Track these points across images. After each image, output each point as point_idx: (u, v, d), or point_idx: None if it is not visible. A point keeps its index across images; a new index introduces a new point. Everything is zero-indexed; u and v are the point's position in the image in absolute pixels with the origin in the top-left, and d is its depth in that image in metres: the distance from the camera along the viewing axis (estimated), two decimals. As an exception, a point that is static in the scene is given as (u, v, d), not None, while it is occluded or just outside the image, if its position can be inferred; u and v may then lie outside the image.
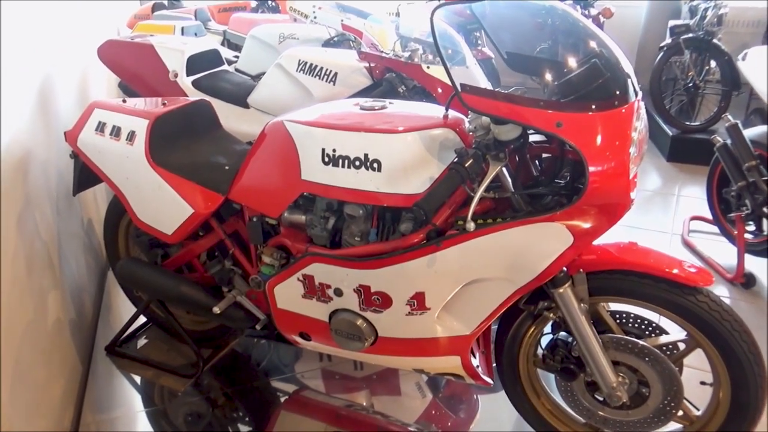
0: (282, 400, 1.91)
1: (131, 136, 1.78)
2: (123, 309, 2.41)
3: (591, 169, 1.20)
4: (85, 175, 1.98)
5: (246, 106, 2.81)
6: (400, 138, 1.39)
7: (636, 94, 1.25)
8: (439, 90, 2.48)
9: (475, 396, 1.91)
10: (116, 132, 1.81)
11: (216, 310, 1.76)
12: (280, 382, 1.99)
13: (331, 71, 2.61)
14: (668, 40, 4.14)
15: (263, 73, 2.95)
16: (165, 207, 1.77)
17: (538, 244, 1.31)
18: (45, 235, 1.84)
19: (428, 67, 2.50)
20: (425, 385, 1.96)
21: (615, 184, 1.21)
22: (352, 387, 1.95)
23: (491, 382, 1.58)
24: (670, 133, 4.14)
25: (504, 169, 1.32)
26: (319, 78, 2.63)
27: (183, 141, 1.85)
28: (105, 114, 1.86)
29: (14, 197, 1.61)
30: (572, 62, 1.32)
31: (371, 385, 1.95)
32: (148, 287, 1.89)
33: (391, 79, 2.55)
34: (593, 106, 1.21)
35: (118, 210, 2.08)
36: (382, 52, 2.69)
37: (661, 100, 4.21)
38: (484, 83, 2.58)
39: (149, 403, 1.91)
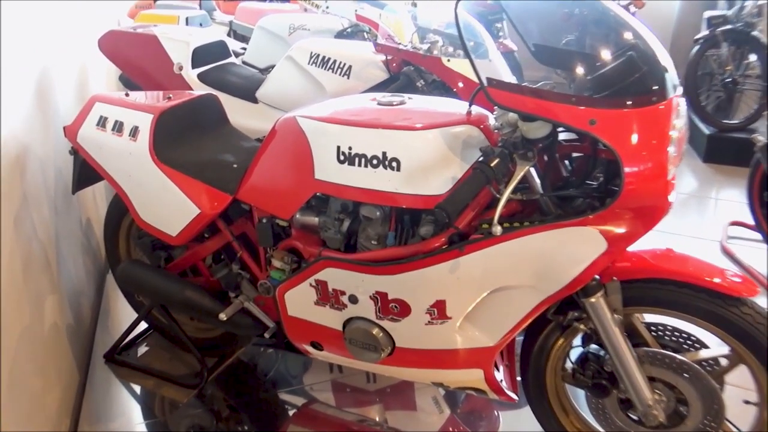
0: (290, 413, 1.91)
1: (134, 132, 1.79)
2: (123, 314, 2.41)
3: (626, 169, 1.19)
4: (85, 172, 1.99)
5: (255, 100, 2.82)
6: (420, 135, 1.40)
7: (675, 90, 1.24)
8: (460, 84, 2.48)
9: (496, 412, 1.89)
10: (119, 127, 1.83)
11: (222, 316, 1.76)
12: (288, 394, 1.98)
13: (345, 64, 2.62)
14: (704, 32, 4.10)
15: (273, 66, 2.96)
16: (169, 207, 1.78)
17: (568, 250, 1.30)
18: (42, 236, 1.86)
19: (448, 60, 2.49)
20: (443, 400, 1.94)
21: (652, 185, 1.19)
22: (365, 401, 1.94)
23: (516, 397, 1.57)
24: (707, 132, 4.09)
25: (532, 170, 1.32)
26: (333, 71, 2.63)
27: (189, 137, 1.86)
28: (107, 108, 1.87)
29: (11, 196, 1.62)
30: (606, 55, 1.31)
31: (385, 399, 1.94)
32: (150, 292, 1.89)
33: (408, 72, 2.55)
34: (629, 102, 1.20)
35: (120, 209, 2.09)
36: (399, 44, 2.68)
37: (696, 97, 4.16)
38: (508, 77, 2.58)
39: (149, 415, 1.91)
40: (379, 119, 1.46)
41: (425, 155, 1.39)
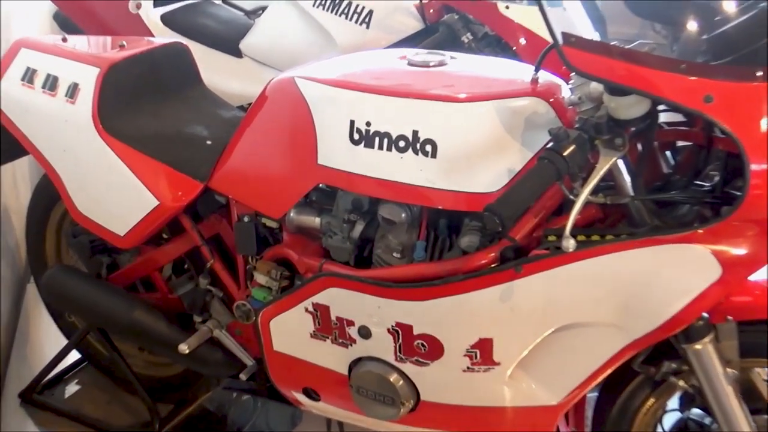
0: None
1: (73, 91, 1.81)
2: (47, 339, 2.42)
3: (753, 166, 1.17)
4: (5, 143, 2.00)
5: (238, 54, 2.83)
6: (465, 109, 1.40)
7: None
8: (523, 41, 2.47)
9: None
10: (51, 83, 1.83)
11: (183, 348, 1.77)
12: (269, 459, 2.00)
13: (363, 8, 2.61)
14: None
15: (264, 8, 2.97)
16: (117, 195, 1.79)
17: (667, 277, 1.29)
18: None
19: (507, 7, 2.49)
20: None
21: (788, 191, 1.19)
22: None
23: (585, 477, 1.57)
24: None
25: (621, 163, 1.32)
26: (347, 17, 2.63)
27: (147, 101, 1.87)
28: (36, 57, 1.88)
29: None
30: (728, 6, 1.30)
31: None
32: (85, 310, 1.91)
33: (451, 22, 2.54)
34: (760, 73, 1.18)
35: (49, 196, 2.11)
36: (439, -19, 2.69)
37: None
38: (590, 33, 2.56)
39: (78, 480, 1.96)
40: (410, 85, 1.46)
41: (472, 137, 1.39)
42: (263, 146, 1.63)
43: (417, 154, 1.41)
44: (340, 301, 1.54)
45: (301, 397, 1.73)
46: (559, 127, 1.31)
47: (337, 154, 1.49)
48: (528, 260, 1.36)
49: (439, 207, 1.42)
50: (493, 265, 1.41)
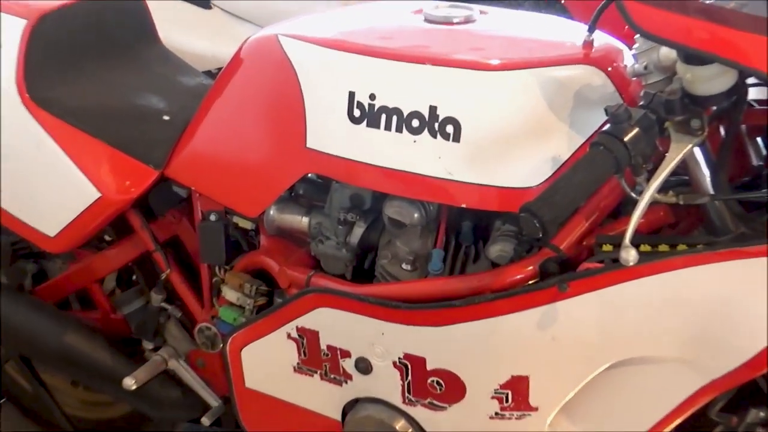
0: None
1: (-10, 49, 1.85)
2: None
3: None
4: None
5: (206, 3, 2.85)
6: (498, 80, 1.41)
7: None
8: (573, -8, 2.48)
9: None
10: (-38, 39, 1.87)
11: (129, 383, 1.77)
12: None
13: (367, -54, 2.62)
14: None
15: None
16: (47, 184, 1.81)
17: (755, 300, 1.27)
18: None
19: (554, -52, 2.49)
20: None
21: None
22: None
23: None
24: None
25: (698, 152, 1.32)
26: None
27: (88, 64, 1.88)
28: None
29: None
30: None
31: None
32: (2, 332, 1.90)
33: (480, -34, 2.55)
34: None
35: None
36: None
37: None
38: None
39: None
40: (427, 48, 1.47)
41: (505, 116, 1.40)
42: (236, 124, 1.65)
43: (435, 136, 1.41)
44: (333, 325, 1.55)
45: (279, 448, 1.77)
46: (619, 105, 1.29)
47: (331, 135, 1.50)
48: (576, 276, 1.36)
49: (462, 205, 1.43)
50: (530, 282, 1.41)
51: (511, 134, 1.39)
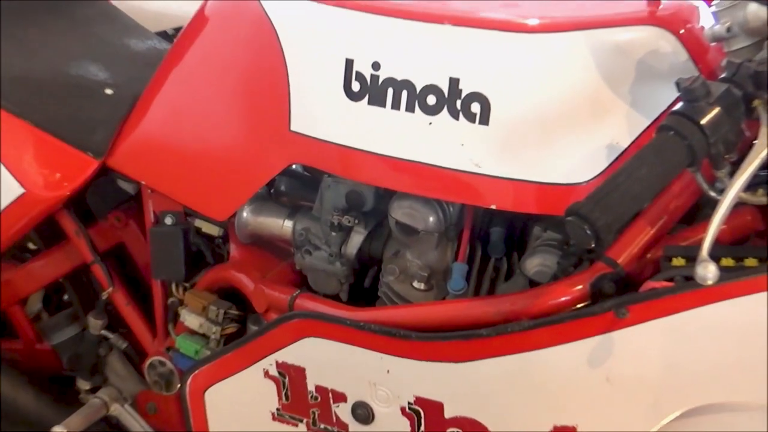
0: None
1: None
2: None
3: None
4: None
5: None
6: (538, 44, 1.39)
7: None
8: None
9: None
10: None
11: (59, 432, 1.77)
12: None
13: None
14: None
15: None
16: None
17: None
18: None
19: None
20: None
21: None
22: None
23: None
24: None
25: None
26: None
27: (12, 23, 1.87)
28: None
29: None
30: None
31: None
32: None
33: None
34: None
35: None
36: None
37: None
38: None
39: None
40: (447, 3, 1.45)
41: (547, 91, 1.39)
42: (199, 100, 1.64)
43: (456, 117, 1.40)
44: (324, 360, 1.55)
45: None
46: (694, 77, 1.28)
47: (322, 115, 1.50)
48: (638, 298, 1.33)
49: (492, 207, 1.41)
50: (579, 306, 1.39)
51: (555, 115, 1.38)
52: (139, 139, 1.70)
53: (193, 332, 1.69)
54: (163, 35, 1.97)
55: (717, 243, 1.25)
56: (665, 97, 1.37)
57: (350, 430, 1.56)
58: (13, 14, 1.89)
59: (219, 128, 1.62)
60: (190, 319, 1.69)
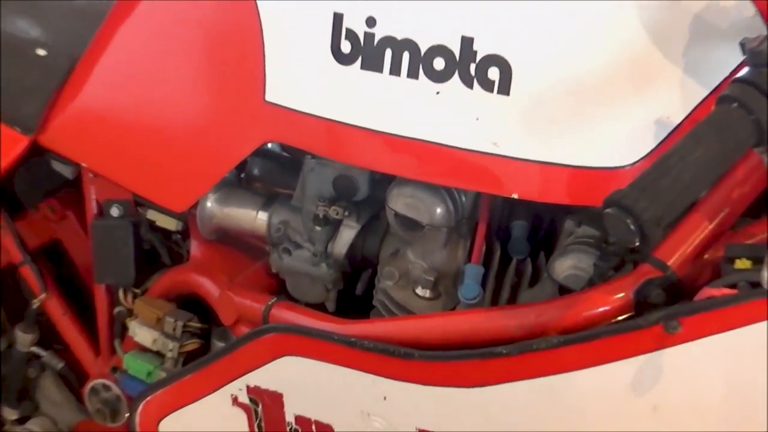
0: None
1: None
2: None
3: None
4: None
5: None
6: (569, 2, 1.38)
7: None
8: None
9: None
10: None
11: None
12: None
13: None
14: None
15: None
16: None
17: None
18: None
19: None
20: None
21: None
22: None
23: None
24: None
25: None
26: None
27: None
28: None
29: None
30: None
31: None
32: None
33: None
34: None
35: None
36: None
37: None
38: None
39: None
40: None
41: (581, 54, 1.39)
42: (152, 65, 1.64)
43: (470, 85, 1.40)
44: (306, 383, 1.55)
45: None
46: (763, 37, 1.29)
47: (305, 82, 1.50)
48: (693, 309, 1.31)
49: (513, 196, 1.42)
50: (620, 318, 1.39)
51: (592, 82, 1.37)
52: (78, 111, 1.70)
53: (144, 349, 1.68)
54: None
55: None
56: (727, 60, 1.37)
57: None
58: None
59: (177, 98, 1.62)
60: (141, 333, 1.68)
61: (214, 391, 1.59)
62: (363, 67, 1.44)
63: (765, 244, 1.25)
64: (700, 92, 1.37)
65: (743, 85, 1.22)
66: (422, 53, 1.41)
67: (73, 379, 1.86)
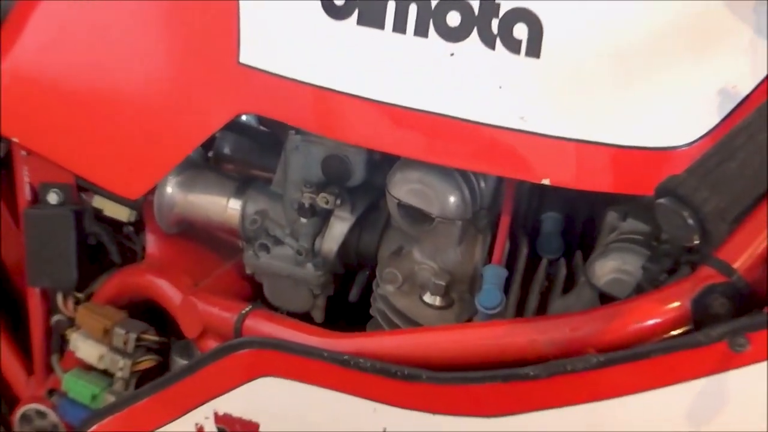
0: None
1: None
2: None
3: None
4: None
5: None
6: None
7: None
8: None
9: None
10: None
11: None
12: None
13: None
14: None
15: None
16: None
17: None
18: None
19: None
20: None
21: None
22: None
23: None
24: None
25: None
26: None
27: None
28: None
29: None
30: None
31: None
32: None
33: None
34: None
35: None
36: None
37: None
38: None
39: None
40: None
41: (626, 12, 1.42)
42: (101, 19, 1.64)
43: (491, 46, 1.43)
44: (287, 411, 1.58)
45: None
46: None
47: (288, 41, 1.52)
48: (764, 322, 1.34)
49: (543, 182, 1.44)
50: (675, 333, 1.40)
51: (641, 46, 1.40)
52: (12, 76, 1.69)
53: (89, 368, 1.69)
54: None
55: None
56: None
57: None
58: None
59: (130, 61, 1.61)
60: (84, 347, 1.69)
61: (174, 419, 1.60)
62: (360, 22, 1.45)
63: None
64: (763, 67, 1.37)
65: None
66: (433, 6, 1.41)
67: (1, 403, 1.86)
